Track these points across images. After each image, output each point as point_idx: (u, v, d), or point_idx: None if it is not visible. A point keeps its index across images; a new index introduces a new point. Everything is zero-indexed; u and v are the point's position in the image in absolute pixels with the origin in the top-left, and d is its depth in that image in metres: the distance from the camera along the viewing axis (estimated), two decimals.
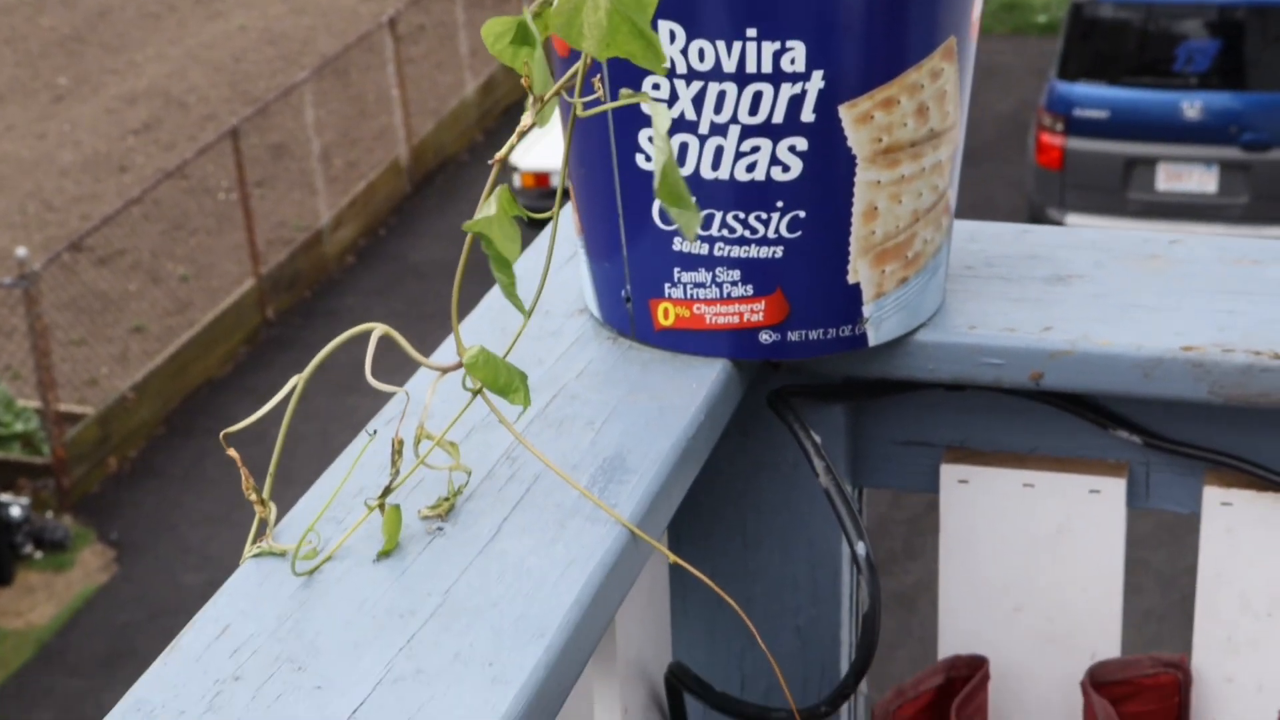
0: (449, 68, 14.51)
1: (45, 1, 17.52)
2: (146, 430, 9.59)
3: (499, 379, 1.13)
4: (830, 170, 1.27)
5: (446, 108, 13.57)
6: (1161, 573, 7.34)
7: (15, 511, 8.49)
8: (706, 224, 1.30)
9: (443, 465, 1.18)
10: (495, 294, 1.48)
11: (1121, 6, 10.08)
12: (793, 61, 1.23)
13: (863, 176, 1.28)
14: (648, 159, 1.29)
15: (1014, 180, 11.66)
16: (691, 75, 1.23)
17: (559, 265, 1.51)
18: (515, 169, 10.71)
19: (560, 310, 1.44)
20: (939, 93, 1.30)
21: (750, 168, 1.26)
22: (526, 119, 0.98)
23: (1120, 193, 10.01)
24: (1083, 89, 10.03)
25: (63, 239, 11.70)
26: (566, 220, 1.52)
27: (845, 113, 1.25)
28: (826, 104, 1.24)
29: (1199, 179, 9.93)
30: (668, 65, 1.02)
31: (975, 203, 11.47)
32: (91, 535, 8.74)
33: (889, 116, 1.27)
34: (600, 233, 1.37)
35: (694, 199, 1.02)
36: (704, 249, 1.30)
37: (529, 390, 1.16)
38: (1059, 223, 10.07)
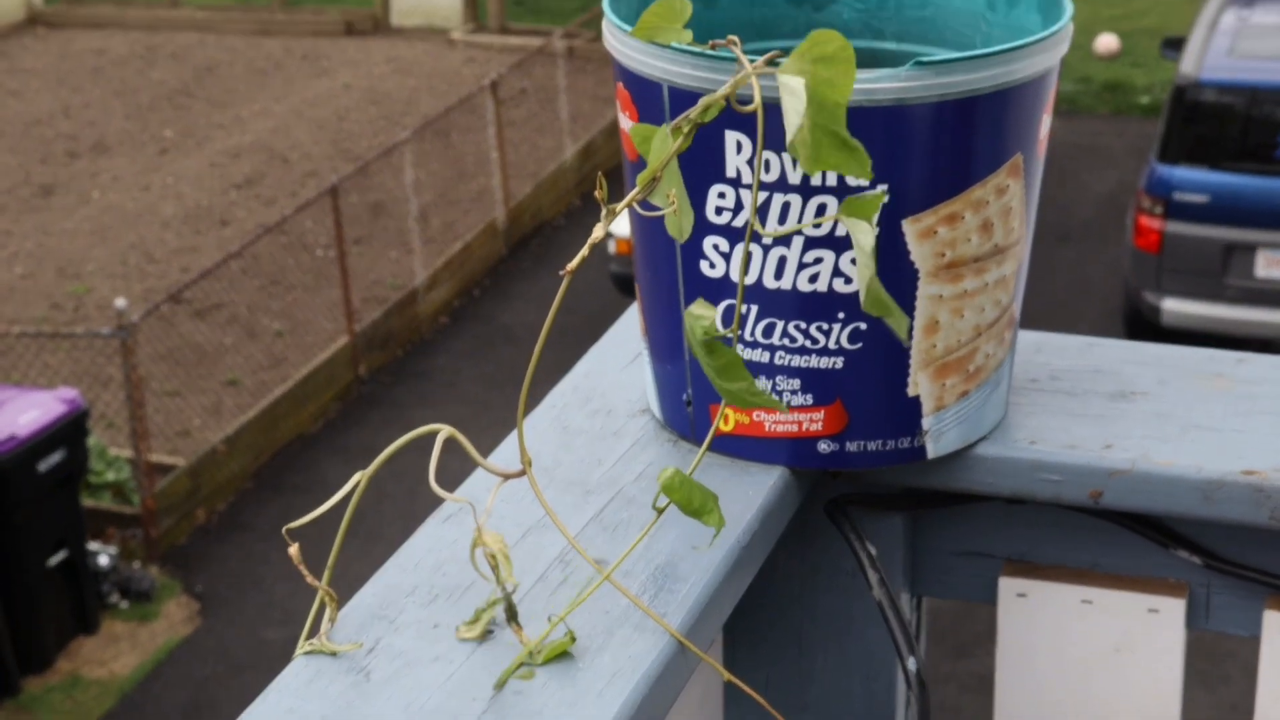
0: (549, 131, 14.61)
1: (156, 55, 17.79)
2: (236, 484, 9.67)
3: (693, 501, 1.15)
4: (893, 283, 1.27)
5: (545, 171, 13.66)
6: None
7: (103, 560, 8.57)
8: (768, 333, 1.31)
9: (493, 576, 1.18)
10: (561, 390, 1.49)
11: (1224, 90, 10.01)
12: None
13: (925, 290, 1.29)
14: (712, 266, 1.30)
15: (1111, 261, 11.59)
16: (805, 171, 1.26)
17: (623, 365, 1.52)
18: (611, 235, 10.75)
19: (623, 410, 1.45)
20: (1004, 209, 1.31)
21: (813, 279, 1.27)
22: (598, 231, 0.99)
23: (1219, 278, 9.92)
24: (1183, 172, 9.96)
25: (162, 290, 11.85)
26: (633, 320, 1.53)
27: (909, 227, 1.26)
28: (890, 218, 1.26)
29: None
30: (870, 174, 1.05)
31: (1071, 283, 11.41)
32: (177, 587, 8.81)
33: (953, 232, 1.28)
34: (663, 336, 1.38)
35: (898, 305, 1.07)
36: (765, 357, 1.31)
37: (720, 511, 1.17)
38: (1156, 307, 10.00)
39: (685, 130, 1.02)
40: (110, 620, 8.54)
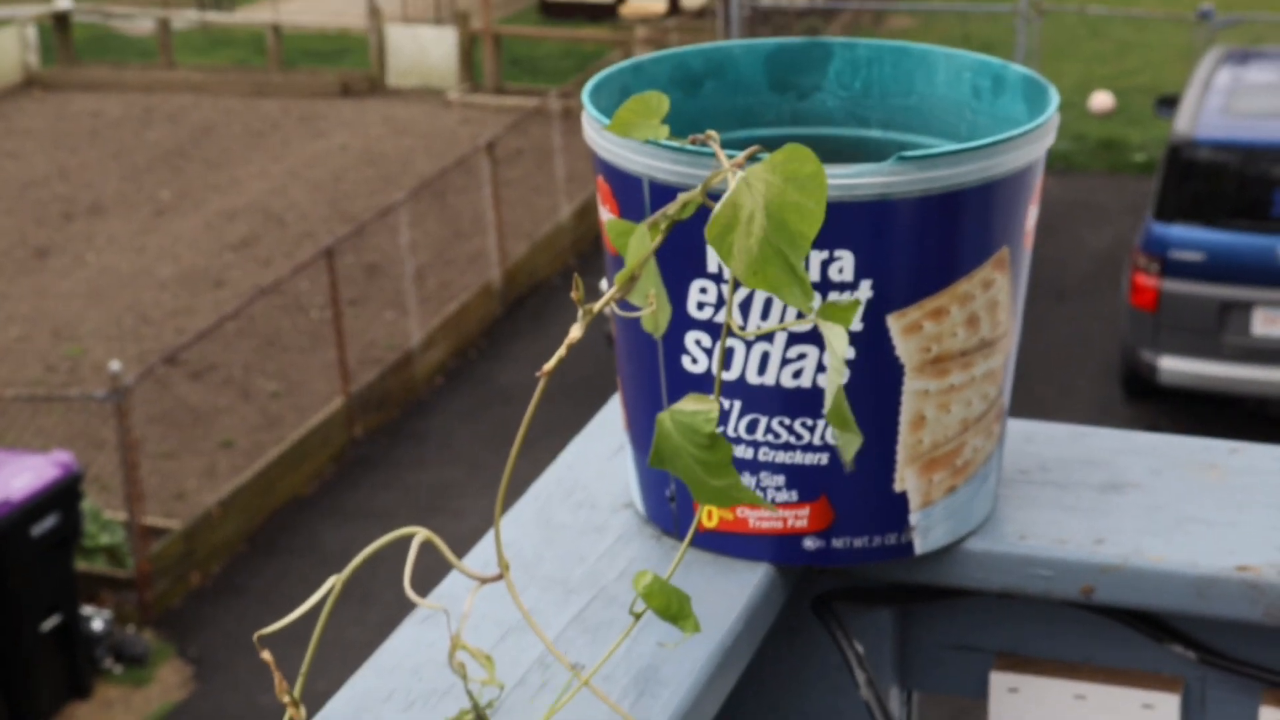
0: (545, 191, 14.63)
1: (152, 117, 17.83)
2: (230, 547, 9.63)
3: (671, 607, 1.12)
4: (878, 379, 1.26)
5: (541, 231, 13.67)
6: None
7: (97, 625, 8.52)
8: (751, 429, 1.28)
9: (477, 677, 1.16)
10: (544, 482, 1.46)
11: (1219, 148, 10.02)
12: (841, 271, 1.22)
13: (911, 385, 1.27)
14: (694, 361, 1.29)
15: (1107, 317, 11.58)
16: (739, 280, 1.24)
17: (606, 456, 1.50)
18: None
19: (606, 503, 1.43)
20: (990, 302, 1.29)
21: (796, 374, 1.26)
22: (575, 332, 0.97)
23: (1215, 336, 9.91)
24: (1179, 230, 9.96)
25: (157, 352, 11.83)
26: (616, 410, 1.50)
27: (894, 322, 1.24)
28: (874, 313, 1.24)
29: None
30: (814, 305, 1.02)
31: (1068, 340, 11.39)
32: (171, 651, 8.76)
33: (939, 326, 1.26)
34: (646, 430, 1.35)
35: (856, 423, 1.04)
36: (749, 453, 1.29)
37: (694, 616, 1.14)
38: (1153, 365, 9.99)
39: (663, 227, 1.00)
40: (104, 685, 8.49)
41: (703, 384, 1.28)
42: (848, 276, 1.22)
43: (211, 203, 15.16)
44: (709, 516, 1.32)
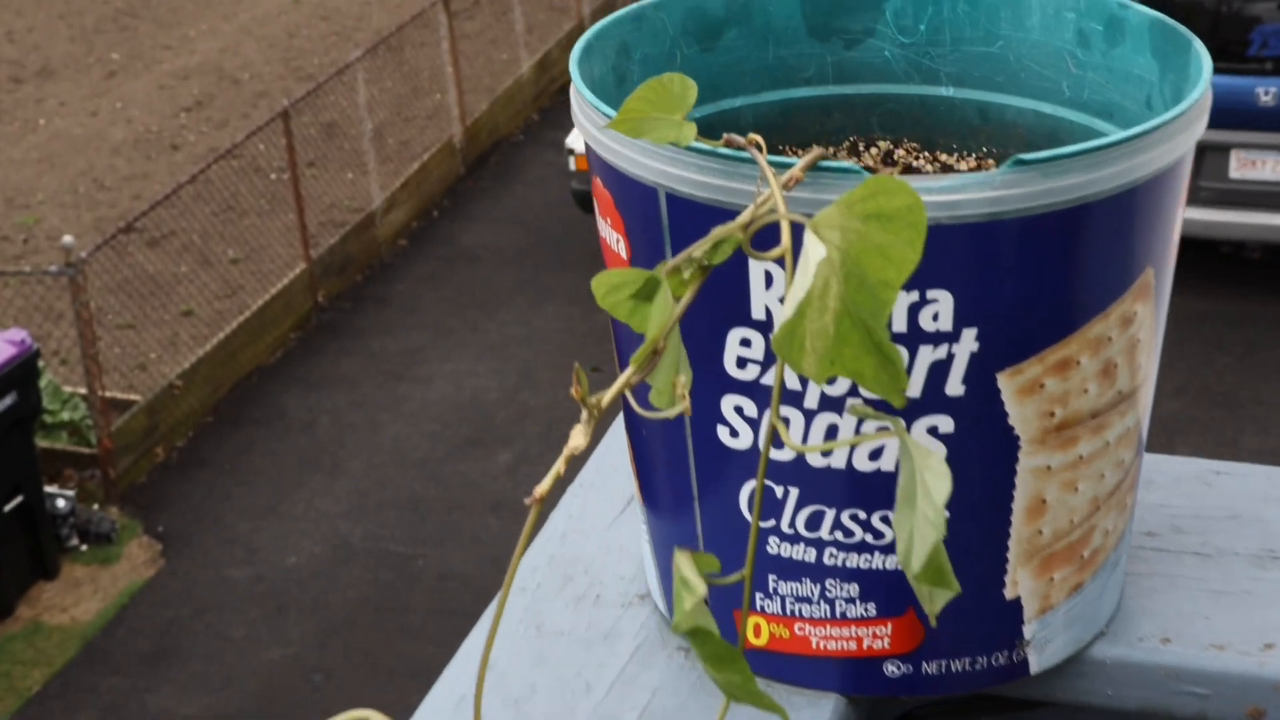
0: (504, 45, 14.30)
1: None
2: (194, 419, 9.46)
3: None
4: (984, 457, 0.98)
5: (501, 86, 13.37)
6: None
7: (61, 504, 8.36)
8: (813, 524, 0.99)
9: None
10: (532, 562, 1.15)
11: None
12: (935, 318, 0.93)
13: (1028, 463, 0.98)
14: (733, 434, 0.98)
15: None
16: (809, 379, 0.93)
17: (610, 519, 1.17)
18: (571, 152, 10.51)
19: (615, 592, 1.11)
20: (1130, 343, 0.99)
21: (874, 454, 0.96)
22: (578, 439, 0.71)
23: (1192, 180, 9.71)
24: None
25: (114, 219, 11.57)
26: (612, 446, 1.22)
27: (1006, 382, 0.96)
28: (981, 372, 0.95)
29: (1273, 167, 9.65)
30: (905, 394, 0.75)
31: None
32: (138, 528, 8.61)
33: (1065, 383, 0.97)
34: (667, 512, 1.05)
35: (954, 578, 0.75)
36: (810, 555, 0.99)
37: None
38: None
39: (688, 275, 0.73)
40: (70, 564, 8.35)
41: (746, 463, 0.99)
42: (944, 325, 0.93)
43: (163, 63, 14.81)
44: (755, 633, 1.03)
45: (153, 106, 13.82)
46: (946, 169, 1.14)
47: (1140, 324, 0.99)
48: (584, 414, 0.71)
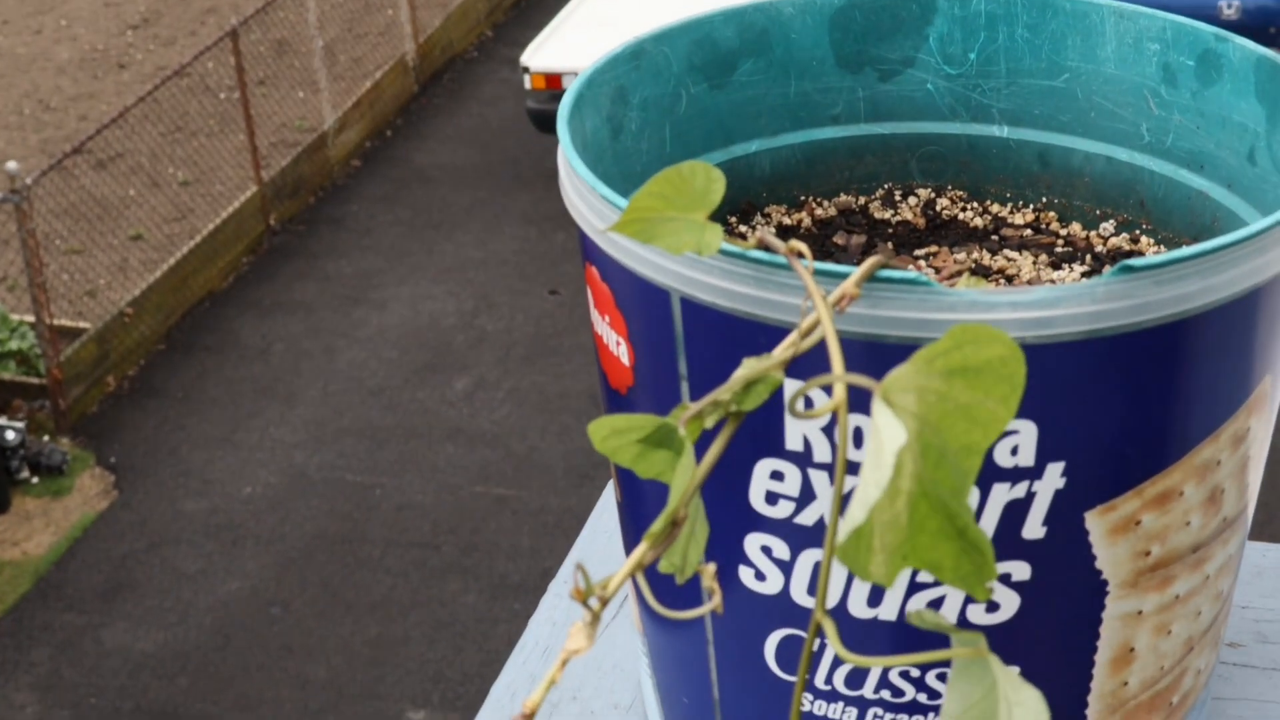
0: None
1: None
2: (146, 347, 9.29)
3: None
4: (1065, 607, 0.83)
5: (454, 1, 13.15)
6: None
7: (10, 435, 8.21)
8: (855, 682, 0.84)
9: None
10: (506, 680, 1.00)
11: None
12: (1015, 452, 0.78)
13: (1116, 609, 0.84)
14: (759, 577, 0.84)
15: None
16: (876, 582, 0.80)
17: (598, 634, 1.00)
18: (526, 70, 10.32)
19: (600, 706, 0.94)
20: (1240, 464, 0.83)
21: (935, 604, 0.82)
22: (580, 641, 0.57)
23: None
24: None
25: (60, 140, 11.35)
26: (598, 536, 1.06)
27: (1095, 521, 0.81)
28: (1066, 511, 0.80)
29: None
30: (992, 586, 0.63)
31: None
32: (90, 459, 8.46)
33: (1163, 518, 0.82)
34: (674, 655, 0.91)
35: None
36: (850, 716, 0.86)
37: None
38: None
39: (711, 422, 0.59)
40: (21, 498, 8.20)
41: (775, 612, 0.86)
42: (1025, 460, 0.79)
43: None
44: None
45: (98, 24, 13.55)
46: (999, 222, 0.99)
47: (1252, 440, 0.84)
48: (587, 617, 0.58)
